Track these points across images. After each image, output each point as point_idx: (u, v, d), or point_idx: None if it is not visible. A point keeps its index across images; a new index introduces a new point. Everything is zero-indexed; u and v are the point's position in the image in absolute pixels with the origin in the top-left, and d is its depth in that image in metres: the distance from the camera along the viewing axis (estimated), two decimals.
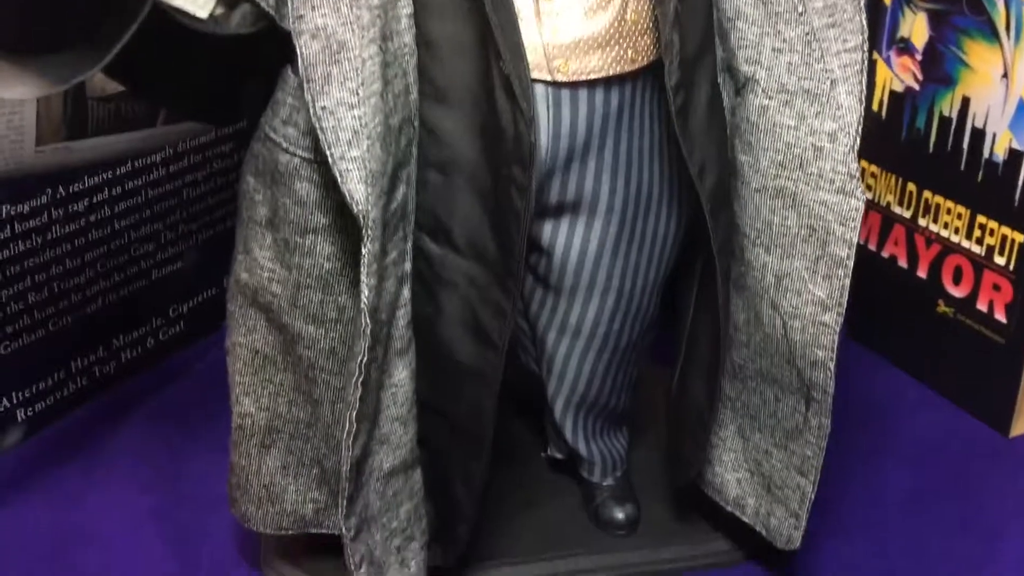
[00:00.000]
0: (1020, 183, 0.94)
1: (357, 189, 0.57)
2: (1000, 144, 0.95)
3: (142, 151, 1.00)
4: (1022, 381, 0.98)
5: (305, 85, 0.56)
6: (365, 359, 0.60)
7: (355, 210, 0.57)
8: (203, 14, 0.56)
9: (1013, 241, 0.96)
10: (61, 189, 0.93)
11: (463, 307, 0.66)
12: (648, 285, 0.74)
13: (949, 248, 1.02)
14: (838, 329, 0.67)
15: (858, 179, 0.64)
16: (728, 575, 0.84)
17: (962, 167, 0.99)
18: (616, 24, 0.61)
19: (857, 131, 0.64)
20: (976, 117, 0.97)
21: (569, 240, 0.69)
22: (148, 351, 1.07)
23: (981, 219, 0.98)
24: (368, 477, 0.66)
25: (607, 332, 0.75)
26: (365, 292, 0.59)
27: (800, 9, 0.63)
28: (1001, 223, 0.96)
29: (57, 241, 0.94)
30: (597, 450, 0.84)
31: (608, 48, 0.61)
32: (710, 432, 0.74)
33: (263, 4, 0.58)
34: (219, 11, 0.58)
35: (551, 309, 0.74)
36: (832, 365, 0.68)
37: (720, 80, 0.66)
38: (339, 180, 0.57)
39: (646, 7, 0.62)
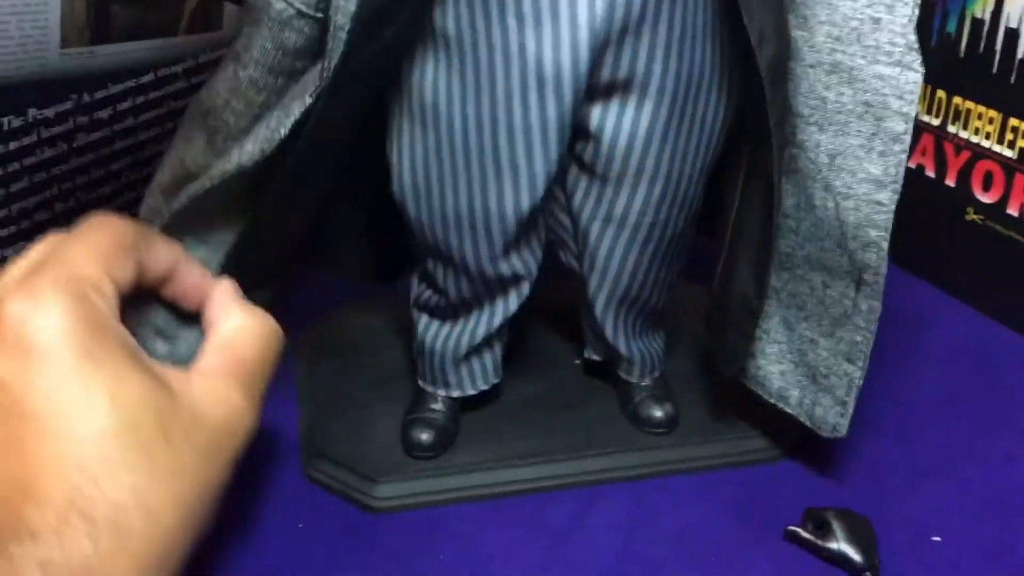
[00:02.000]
0: None
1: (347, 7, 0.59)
2: None
3: (164, 60, 0.98)
4: None
5: None
6: None
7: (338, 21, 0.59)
8: None
9: None
10: (86, 95, 0.91)
11: None
12: (696, 172, 0.73)
13: (979, 154, 1.02)
14: (893, 208, 0.66)
15: (916, 51, 0.63)
16: (766, 472, 0.84)
17: (994, 70, 0.98)
18: None
19: (916, 0, 0.63)
20: (1010, 17, 0.96)
21: (618, 124, 0.68)
22: None
23: (1013, 122, 0.98)
24: None
25: (653, 222, 0.74)
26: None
27: None
28: None
29: (83, 149, 0.93)
30: (637, 349, 0.84)
31: None
32: (758, 321, 0.74)
33: None
34: None
35: (596, 199, 0.73)
36: (885, 245, 0.67)
37: None
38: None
39: None
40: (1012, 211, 1.00)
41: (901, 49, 0.63)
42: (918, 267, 1.09)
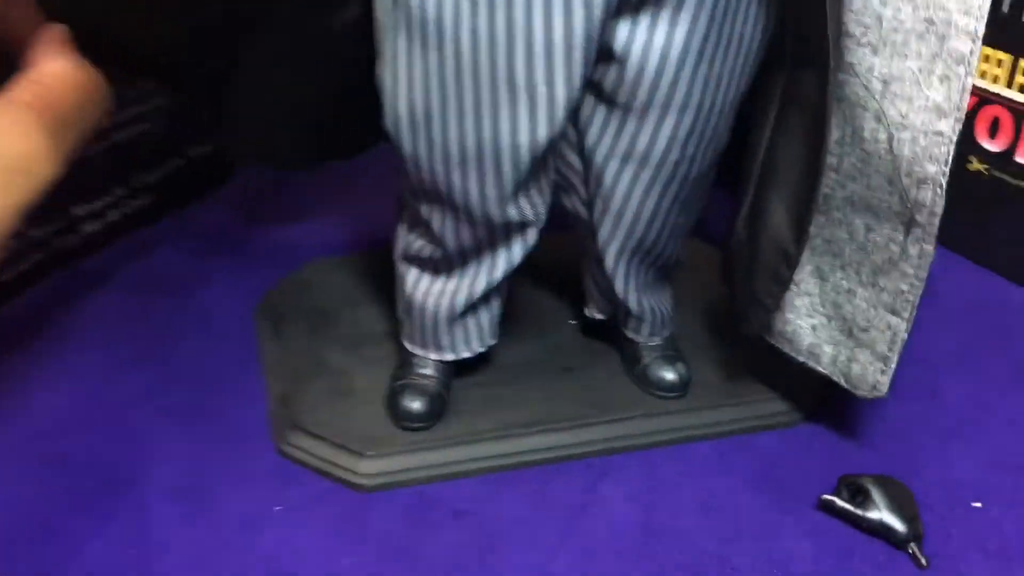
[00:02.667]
0: None
1: None
2: None
3: None
4: None
5: None
6: None
7: None
8: None
9: None
10: None
11: None
12: (728, 102, 0.65)
13: (986, 99, 0.96)
14: (954, 139, 0.59)
15: None
16: (786, 437, 0.77)
17: (1005, 9, 0.92)
18: None
19: None
20: None
21: (649, 43, 0.60)
22: (111, 226, 0.95)
23: None
24: None
25: (679, 159, 0.66)
26: None
27: None
28: None
29: None
30: (648, 305, 0.76)
31: None
32: (795, 268, 0.67)
33: None
34: None
35: (616, 133, 0.65)
36: (944, 181, 0.61)
37: None
38: None
39: None
40: (1020, 158, 0.95)
41: None
42: None
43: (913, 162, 0.61)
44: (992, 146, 0.97)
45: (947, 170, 0.60)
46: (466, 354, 0.76)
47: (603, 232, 0.71)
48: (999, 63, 0.94)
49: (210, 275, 0.94)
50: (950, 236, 1.01)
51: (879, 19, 0.59)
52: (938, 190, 0.61)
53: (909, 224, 0.63)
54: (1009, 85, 0.94)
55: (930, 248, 0.63)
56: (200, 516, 0.68)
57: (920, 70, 0.59)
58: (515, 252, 0.70)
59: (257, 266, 0.95)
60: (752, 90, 0.67)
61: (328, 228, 1.02)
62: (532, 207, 0.67)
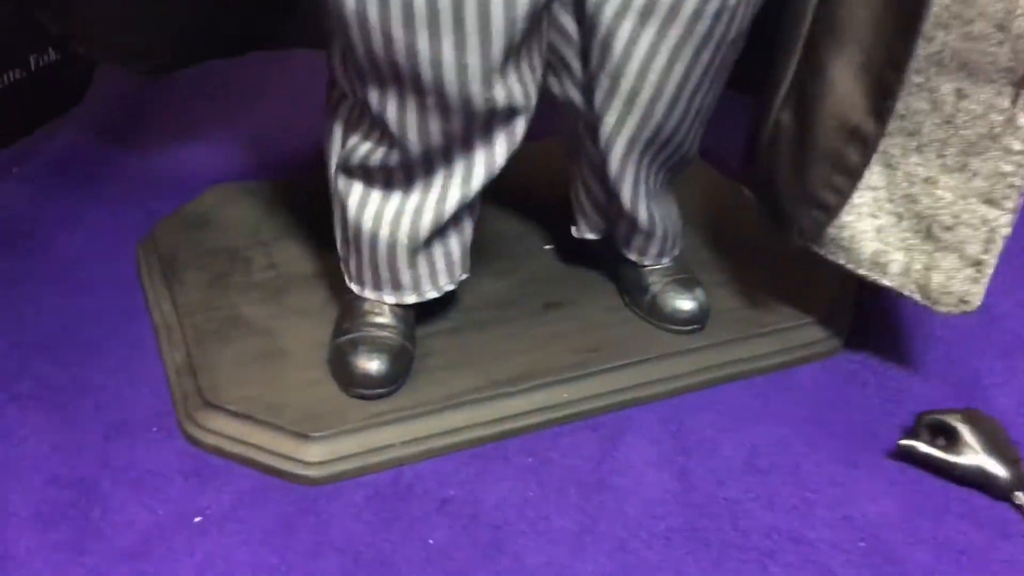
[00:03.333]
0: None
1: None
2: None
3: None
4: None
5: None
6: None
7: None
8: None
9: None
10: None
11: None
12: None
13: None
14: None
15: None
16: (828, 369, 0.63)
17: None
18: None
19: None
20: None
21: None
22: None
23: None
24: None
25: (718, 10, 0.49)
26: None
27: None
28: None
29: None
30: (658, 215, 0.60)
31: None
32: (873, 150, 0.51)
33: None
34: None
35: None
36: None
37: None
38: None
39: None
40: None
41: None
42: None
43: None
44: None
45: None
46: (432, 294, 0.58)
47: (608, 121, 0.54)
48: None
49: (71, 215, 0.73)
50: None
51: None
52: None
53: (1021, 84, 0.48)
54: None
55: None
56: (80, 547, 0.49)
57: None
58: (497, 152, 0.52)
59: (134, 201, 0.75)
60: None
61: (223, 149, 0.81)
62: (522, 85, 0.50)
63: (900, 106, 0.53)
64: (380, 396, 0.55)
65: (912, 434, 0.56)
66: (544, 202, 0.70)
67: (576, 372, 0.59)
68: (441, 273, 0.57)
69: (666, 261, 0.63)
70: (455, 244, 0.57)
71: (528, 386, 0.58)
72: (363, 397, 0.55)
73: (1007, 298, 0.70)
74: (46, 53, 0.81)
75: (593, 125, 0.55)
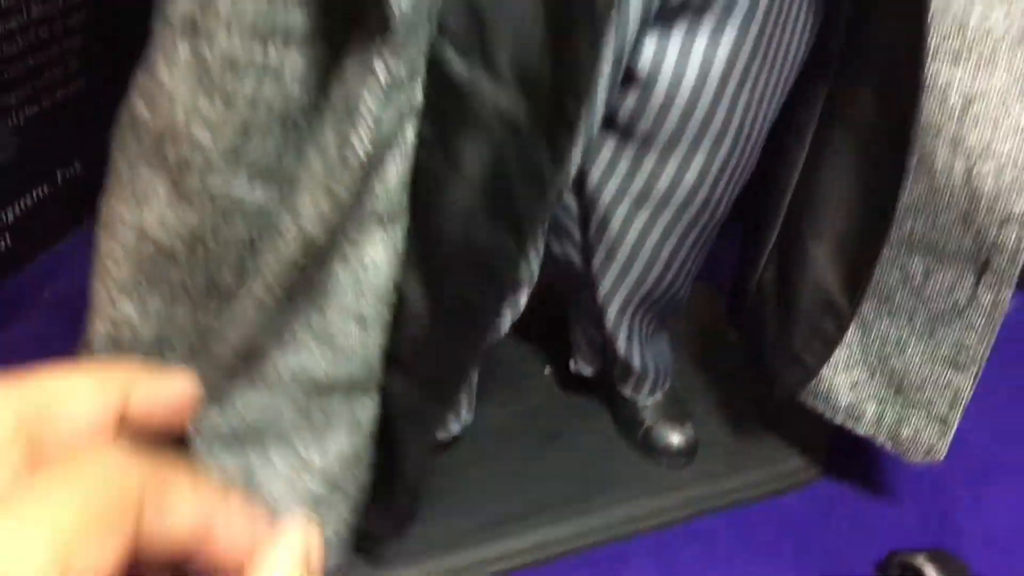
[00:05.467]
0: None
1: None
2: None
3: None
4: None
5: None
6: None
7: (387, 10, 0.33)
8: None
9: None
10: None
11: (490, 162, 0.42)
12: (767, 124, 0.53)
13: None
14: None
15: None
16: (808, 499, 0.67)
17: None
18: None
19: None
20: None
21: (683, 60, 0.47)
22: None
23: None
24: (280, 376, 0.43)
25: (707, 199, 0.54)
26: (367, 125, 0.35)
27: None
28: None
29: None
30: (651, 359, 0.64)
31: None
32: (847, 326, 0.55)
33: None
34: None
35: (629, 171, 0.52)
36: None
37: None
38: None
39: None
40: None
41: None
42: None
43: (996, 197, 0.50)
44: None
45: None
46: (441, 436, 0.62)
47: (605, 284, 0.58)
48: None
49: None
50: None
51: (962, 26, 0.48)
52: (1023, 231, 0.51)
53: (982, 268, 0.53)
54: None
55: (1008, 295, 0.53)
56: None
57: (1013, 84, 0.48)
58: (503, 323, 0.56)
59: None
60: (784, 107, 0.55)
61: None
62: (528, 262, 0.54)
63: (875, 275, 0.57)
64: (384, 541, 0.59)
65: (883, 569, 0.60)
66: (546, 330, 0.74)
67: (572, 508, 0.63)
68: (450, 422, 0.61)
69: (658, 395, 0.67)
70: (462, 393, 0.61)
71: (524, 524, 0.61)
72: (366, 551, 0.59)
73: (981, 427, 0.74)
74: (68, 166, 0.86)
75: (591, 283, 0.59)
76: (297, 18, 0.38)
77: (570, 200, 0.56)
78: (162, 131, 0.41)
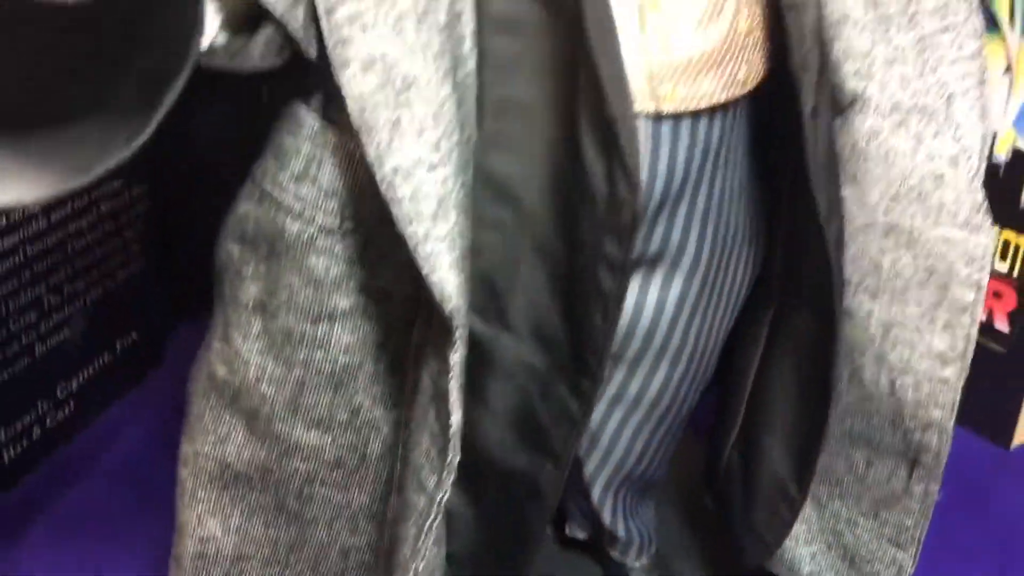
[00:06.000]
0: None
1: (448, 279, 0.42)
2: (1002, 144, 0.89)
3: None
4: None
5: (363, 138, 0.41)
6: (444, 495, 0.46)
7: (446, 308, 0.42)
8: (204, 43, 0.40)
9: (1017, 247, 0.90)
10: None
11: (518, 403, 0.52)
12: (719, 343, 0.62)
13: None
14: (960, 386, 0.57)
15: (985, 210, 0.55)
16: None
17: None
18: (730, 36, 0.49)
19: (981, 154, 0.54)
20: None
21: (642, 301, 0.57)
22: (35, 444, 0.86)
23: None
24: None
25: (671, 402, 0.62)
26: (455, 419, 0.44)
27: (912, 10, 0.52)
28: (1003, 227, 0.91)
29: None
30: (635, 527, 0.72)
31: (721, 67, 0.49)
32: (799, 511, 0.63)
33: (290, 24, 0.41)
34: (235, 41, 0.41)
35: (604, 380, 0.61)
36: (950, 427, 0.58)
37: None
38: (423, 268, 0.42)
39: (758, 14, 0.50)
40: (1000, 326, 0.94)
41: (968, 209, 0.54)
42: None
43: (917, 406, 0.58)
44: None
45: (953, 415, 0.58)
46: None
47: (589, 467, 0.67)
48: None
49: None
50: None
51: (877, 267, 0.57)
52: (944, 436, 0.59)
53: (913, 464, 0.61)
54: None
55: (935, 488, 0.61)
56: None
57: (922, 317, 0.57)
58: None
59: None
60: (738, 322, 0.64)
61: None
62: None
63: (824, 462, 0.65)
64: None
65: None
66: None
67: None
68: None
69: (643, 559, 0.75)
70: None
71: None
72: None
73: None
74: (126, 335, 0.97)
75: (579, 464, 0.68)
76: (340, 301, 0.49)
77: None
78: (239, 387, 0.52)
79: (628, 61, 0.45)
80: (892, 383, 0.59)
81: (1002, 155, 0.89)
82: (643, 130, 0.48)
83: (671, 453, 0.69)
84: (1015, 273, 0.91)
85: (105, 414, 0.94)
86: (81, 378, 0.91)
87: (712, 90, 0.49)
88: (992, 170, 0.88)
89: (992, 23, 0.87)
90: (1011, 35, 0.86)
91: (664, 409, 0.63)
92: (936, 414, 0.58)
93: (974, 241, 0.54)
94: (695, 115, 0.50)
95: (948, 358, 0.57)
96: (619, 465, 0.66)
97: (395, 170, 0.40)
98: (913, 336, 0.57)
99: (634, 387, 0.61)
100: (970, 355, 0.57)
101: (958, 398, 0.58)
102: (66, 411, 0.90)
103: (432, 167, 0.41)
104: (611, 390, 0.62)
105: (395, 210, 0.41)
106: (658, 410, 0.63)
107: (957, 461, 0.91)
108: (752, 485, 0.66)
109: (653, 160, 0.50)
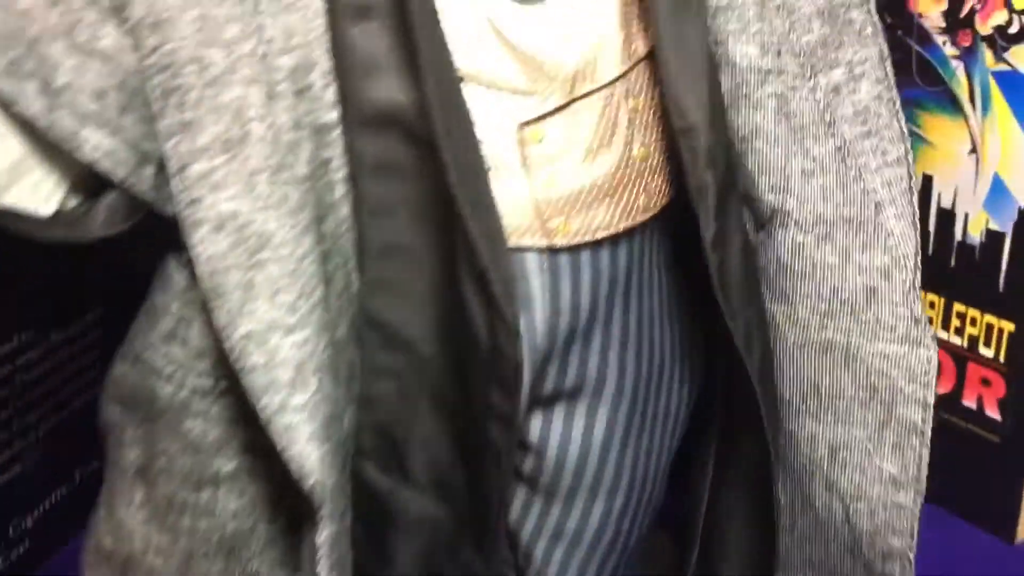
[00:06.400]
0: (1004, 267, 0.84)
1: (307, 453, 0.39)
2: (975, 226, 0.85)
3: None
4: None
5: (212, 302, 0.38)
6: None
7: (306, 485, 0.39)
8: (47, 210, 0.38)
9: (1001, 330, 0.86)
10: None
11: (422, 561, 0.49)
12: (660, 470, 0.59)
13: None
14: (918, 510, 0.53)
15: (925, 322, 0.51)
16: None
17: (930, 252, 0.89)
18: (623, 164, 0.46)
19: (916, 264, 0.51)
20: (942, 197, 0.87)
21: (567, 435, 0.53)
22: None
23: (959, 307, 0.88)
24: None
25: (615, 535, 0.59)
26: None
27: (828, 119, 0.50)
28: (984, 311, 0.86)
29: None
30: None
31: (616, 196, 0.46)
32: None
33: (136, 187, 0.39)
34: (72, 203, 0.39)
35: (540, 515, 0.58)
36: (912, 555, 0.54)
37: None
38: (278, 443, 0.39)
39: (654, 138, 0.47)
40: (968, 403, 0.90)
41: (906, 322, 0.51)
42: None
43: (875, 534, 0.54)
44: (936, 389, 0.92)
45: (914, 543, 0.54)
46: None
47: None
48: (932, 305, 0.90)
49: None
50: None
51: (816, 387, 0.54)
52: (907, 563, 0.54)
53: None
54: (945, 328, 0.90)
55: None
56: None
57: (869, 439, 0.53)
58: None
59: None
60: (682, 447, 0.61)
61: None
62: None
63: None
64: None
65: None
66: None
67: None
68: None
69: None
70: None
71: None
72: None
73: None
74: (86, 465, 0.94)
75: None
76: (223, 465, 0.46)
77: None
78: (126, 558, 0.49)
79: (512, 197, 0.42)
80: (846, 510, 0.55)
81: (976, 236, 0.86)
82: (538, 266, 0.46)
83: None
84: (1002, 358, 0.87)
85: (64, 549, 0.91)
86: (37, 513, 0.88)
87: (609, 220, 0.46)
88: (968, 251, 0.85)
89: (953, 104, 0.84)
90: (973, 115, 0.83)
91: (608, 544, 0.59)
92: (896, 543, 0.54)
93: (915, 356, 0.51)
94: (595, 245, 0.47)
95: (901, 482, 0.53)
96: None
97: (247, 336, 0.38)
98: (863, 459, 0.53)
99: (572, 523, 0.57)
100: (924, 478, 0.53)
101: (917, 524, 0.53)
102: (21, 549, 0.87)
103: (289, 330, 0.38)
104: (550, 527, 0.58)
105: (246, 380, 0.38)
106: (602, 545, 0.59)
107: (959, 558, 0.88)
108: None
109: (554, 296, 0.47)
